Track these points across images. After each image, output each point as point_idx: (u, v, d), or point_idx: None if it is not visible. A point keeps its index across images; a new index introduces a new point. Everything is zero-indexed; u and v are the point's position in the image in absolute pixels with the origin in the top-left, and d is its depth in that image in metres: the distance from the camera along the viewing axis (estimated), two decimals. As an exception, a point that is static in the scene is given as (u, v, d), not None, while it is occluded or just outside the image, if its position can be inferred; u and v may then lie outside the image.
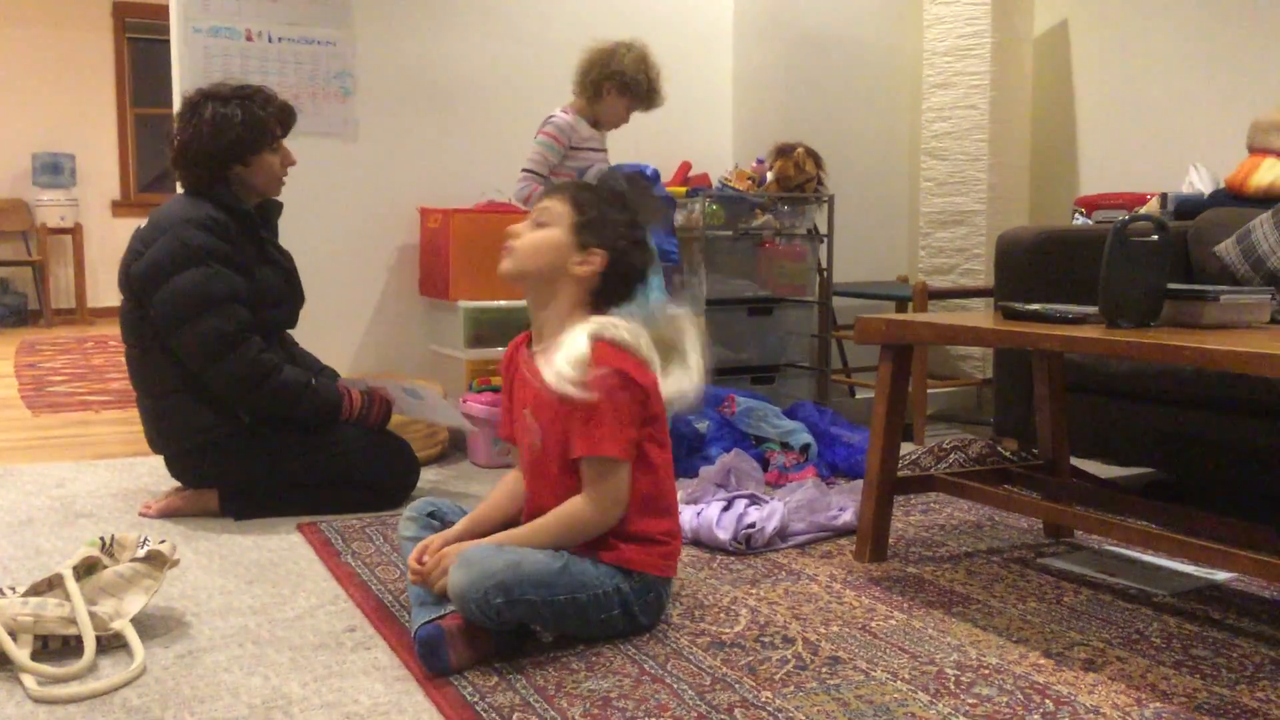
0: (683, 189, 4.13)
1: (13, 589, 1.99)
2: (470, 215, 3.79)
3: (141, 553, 2.02)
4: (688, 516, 2.57)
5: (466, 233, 3.69)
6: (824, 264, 4.24)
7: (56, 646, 1.88)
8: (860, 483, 2.59)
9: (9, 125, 8.25)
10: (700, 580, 2.31)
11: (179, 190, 2.94)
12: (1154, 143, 4.11)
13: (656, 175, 3.60)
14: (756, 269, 4.21)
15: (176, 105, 3.79)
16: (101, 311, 8.33)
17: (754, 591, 2.23)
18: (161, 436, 2.86)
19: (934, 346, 4.37)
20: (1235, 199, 3.32)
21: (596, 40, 3.60)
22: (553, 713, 1.66)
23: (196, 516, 2.81)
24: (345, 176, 3.99)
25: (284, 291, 2.94)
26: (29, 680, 1.75)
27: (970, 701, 1.70)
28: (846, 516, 2.66)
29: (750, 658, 1.88)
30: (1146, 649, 1.93)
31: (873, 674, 1.81)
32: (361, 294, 4.05)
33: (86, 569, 1.99)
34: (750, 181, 4.15)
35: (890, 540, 2.51)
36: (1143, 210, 3.56)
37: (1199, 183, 3.62)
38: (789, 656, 1.88)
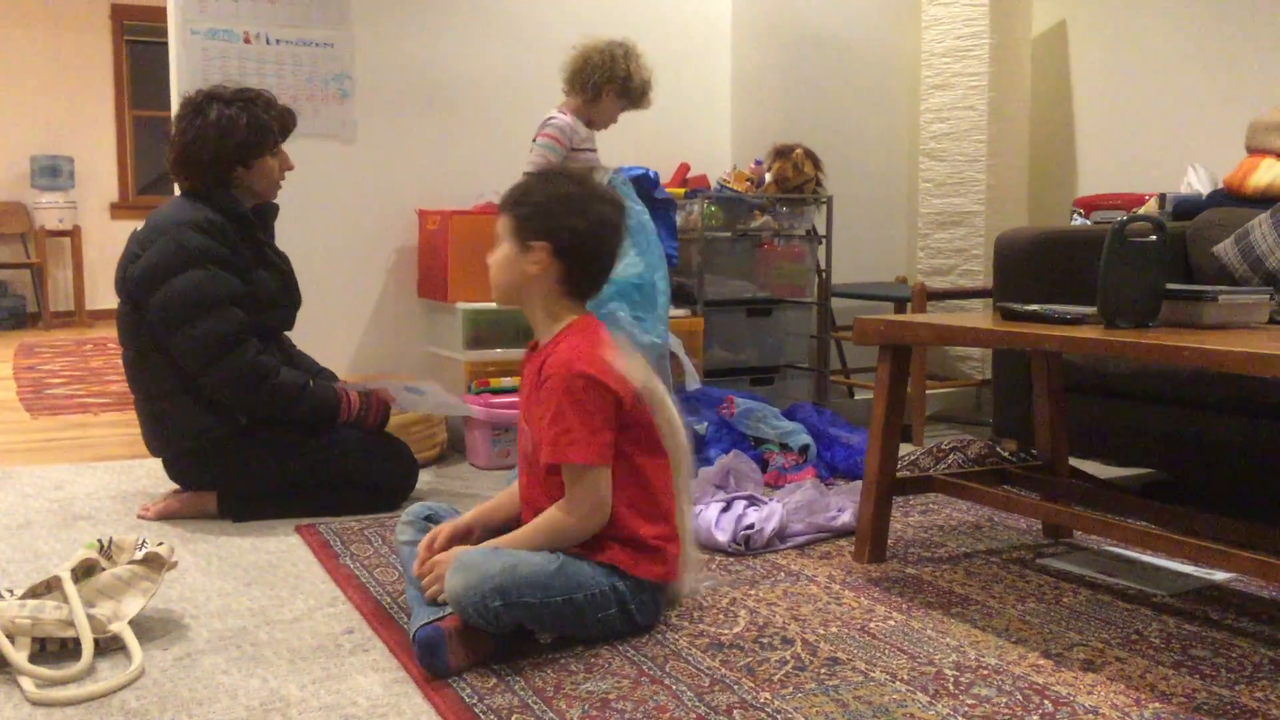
0: (681, 190, 4.13)
1: (11, 591, 1.99)
2: (469, 217, 3.78)
3: (140, 555, 2.02)
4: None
5: (465, 234, 3.69)
6: (823, 265, 4.24)
7: (54, 649, 1.88)
8: (859, 483, 2.58)
9: (7, 128, 8.25)
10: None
11: (176, 193, 2.94)
12: (1152, 143, 4.11)
13: (657, 179, 3.61)
14: (755, 270, 4.20)
15: (175, 107, 3.80)
16: (100, 314, 8.33)
17: (753, 592, 2.23)
18: (159, 439, 2.85)
19: (933, 347, 4.37)
20: (1234, 199, 3.32)
21: (587, 38, 3.60)
22: (551, 714, 1.65)
23: (195, 519, 2.81)
24: (343, 178, 3.99)
25: (281, 294, 2.94)
26: (27, 683, 1.75)
27: (969, 702, 1.70)
28: (845, 517, 2.66)
29: (749, 659, 1.88)
30: (1145, 649, 1.93)
31: (871, 675, 1.81)
32: (360, 296, 4.05)
33: (85, 571, 1.99)
34: (749, 183, 4.15)
35: (889, 541, 2.51)
36: (1141, 211, 3.56)
37: (1197, 183, 3.62)
38: (788, 657, 1.88)
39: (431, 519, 2.04)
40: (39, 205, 8.23)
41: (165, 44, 3.95)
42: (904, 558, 2.49)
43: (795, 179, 4.11)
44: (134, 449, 3.52)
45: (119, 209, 8.64)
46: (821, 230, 4.21)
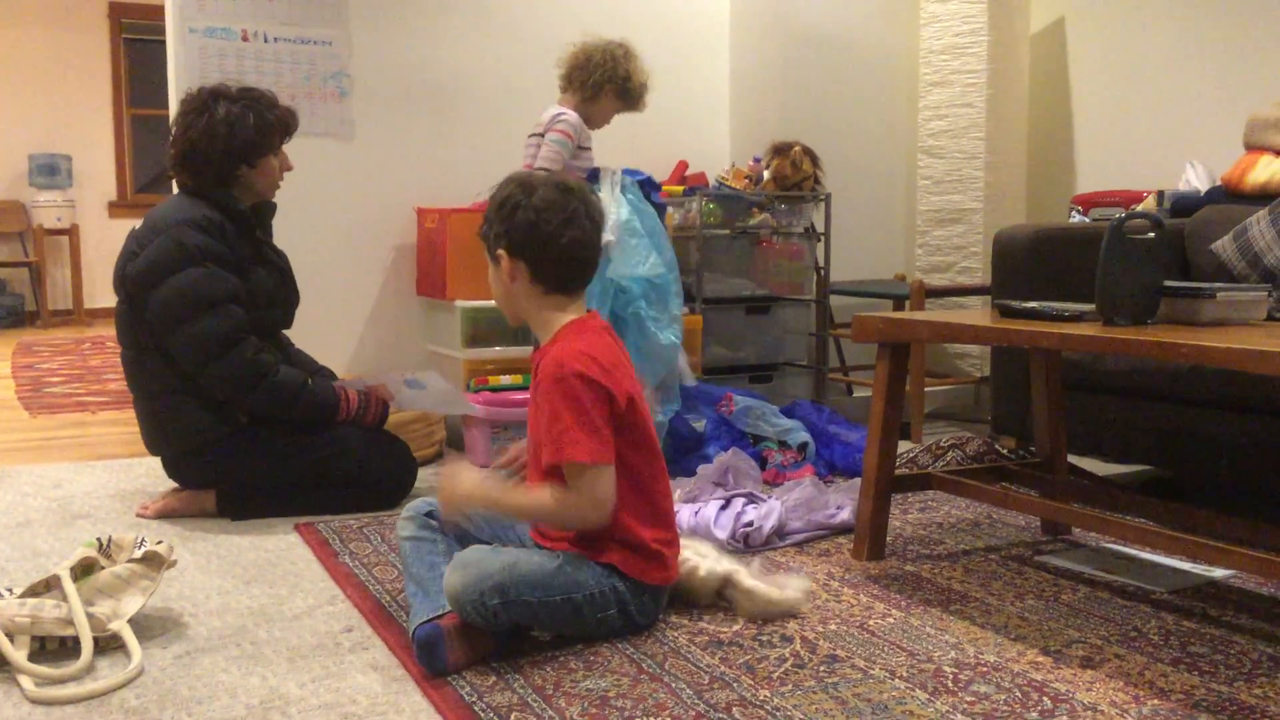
0: (680, 188, 4.13)
1: (10, 590, 1.99)
2: (467, 215, 3.78)
3: (139, 553, 2.02)
4: (685, 515, 2.57)
5: (463, 232, 3.69)
6: (821, 262, 4.24)
7: (54, 647, 1.88)
8: (858, 481, 2.59)
9: (5, 126, 8.24)
10: (698, 579, 2.31)
11: (175, 191, 2.93)
12: (1151, 140, 4.11)
13: (655, 185, 3.61)
14: (754, 268, 4.21)
15: (174, 105, 3.80)
16: (98, 312, 8.32)
17: (752, 590, 2.23)
18: (158, 438, 2.85)
19: (931, 345, 4.37)
20: (1232, 196, 3.32)
21: (587, 36, 3.59)
22: (551, 712, 1.66)
23: (194, 517, 2.81)
24: (342, 177, 3.99)
25: (279, 292, 2.94)
26: (26, 681, 1.75)
27: (968, 699, 1.70)
28: (844, 515, 2.66)
29: (748, 656, 1.88)
30: (1144, 646, 1.93)
31: (871, 672, 1.81)
32: (358, 294, 4.05)
33: (84, 570, 1.99)
34: (747, 180, 4.15)
35: (888, 538, 2.51)
36: (1139, 208, 3.57)
37: (1195, 180, 3.62)
38: (787, 655, 1.88)
39: (433, 514, 2.03)
40: (37, 204, 8.22)
41: (163, 42, 3.95)
42: (903, 555, 2.49)
43: (794, 176, 4.11)
44: (133, 447, 3.52)
45: (117, 207, 8.63)
46: (820, 228, 4.22)
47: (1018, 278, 3.09)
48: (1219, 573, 2.33)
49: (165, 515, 2.81)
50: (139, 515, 2.84)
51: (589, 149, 3.56)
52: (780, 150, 4.14)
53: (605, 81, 3.48)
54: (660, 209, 3.44)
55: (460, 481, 1.94)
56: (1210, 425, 2.70)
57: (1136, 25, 4.17)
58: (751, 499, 2.69)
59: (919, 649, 1.91)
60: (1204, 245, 3.19)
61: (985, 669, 1.82)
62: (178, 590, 2.24)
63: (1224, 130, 3.70)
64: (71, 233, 8.33)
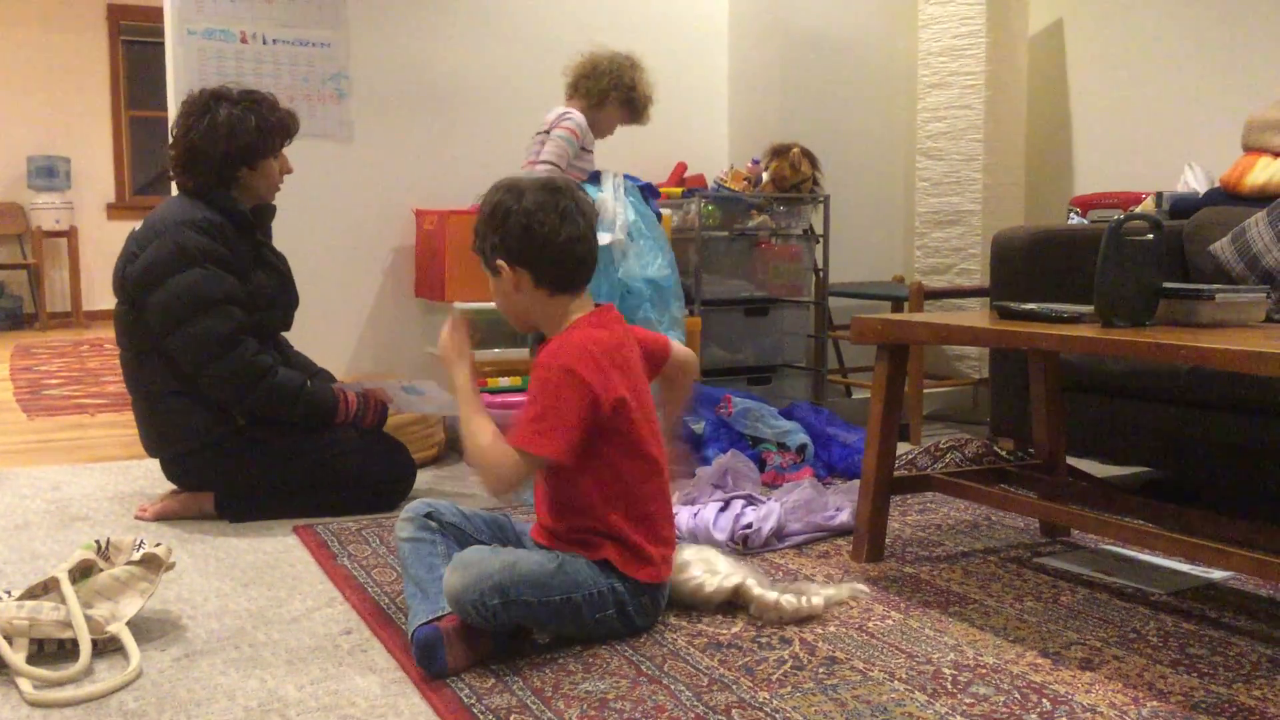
0: (678, 190, 4.13)
1: (8, 592, 1.99)
2: (466, 217, 3.78)
3: (137, 555, 2.02)
4: (685, 517, 2.57)
5: (462, 234, 3.69)
6: (820, 264, 4.24)
7: (52, 650, 1.88)
8: (857, 483, 2.58)
9: (3, 128, 8.24)
10: (697, 581, 2.30)
11: (174, 193, 2.93)
12: (1149, 142, 4.12)
13: (656, 192, 3.60)
14: (752, 269, 4.21)
15: (174, 106, 3.79)
16: (97, 314, 8.32)
17: (751, 592, 2.23)
18: (156, 439, 2.85)
19: (930, 346, 4.37)
20: (1230, 198, 3.32)
21: (595, 46, 3.60)
22: (550, 714, 1.65)
23: (192, 519, 2.81)
24: (340, 178, 3.99)
25: (279, 294, 2.94)
26: (25, 684, 1.75)
27: (967, 701, 1.70)
28: (843, 516, 2.66)
29: (747, 658, 1.88)
30: (1143, 648, 1.93)
31: (870, 674, 1.81)
32: (357, 296, 4.05)
33: (82, 572, 1.99)
34: (746, 182, 4.15)
35: (887, 540, 2.51)
36: (1138, 209, 3.57)
37: (1194, 182, 3.62)
38: (786, 657, 1.88)
39: (433, 515, 2.03)
40: (35, 206, 8.22)
41: (162, 44, 3.95)
42: (902, 557, 2.49)
43: (792, 178, 4.11)
44: (131, 450, 3.52)
45: (115, 209, 8.63)
46: (819, 229, 4.22)
47: (1016, 279, 3.09)
48: (1218, 574, 2.33)
49: (164, 517, 2.81)
50: (137, 517, 2.83)
51: (591, 153, 3.56)
52: (779, 152, 4.14)
53: (610, 89, 3.49)
54: (657, 216, 3.44)
55: (455, 369, 1.97)
56: (1209, 427, 2.70)
57: (1135, 27, 4.17)
58: (750, 501, 2.69)
59: (918, 651, 1.91)
60: (1202, 247, 3.19)
61: (984, 671, 1.82)
62: (176, 592, 2.24)
63: (1222, 132, 3.71)
64: (70, 235, 8.33)
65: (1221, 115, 3.80)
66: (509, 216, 1.96)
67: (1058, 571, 2.38)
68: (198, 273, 2.70)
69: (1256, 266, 3.01)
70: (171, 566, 2.07)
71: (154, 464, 2.98)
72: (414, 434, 3.36)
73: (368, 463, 2.86)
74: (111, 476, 3.31)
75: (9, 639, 1.83)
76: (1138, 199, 3.71)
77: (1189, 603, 2.17)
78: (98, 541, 2.06)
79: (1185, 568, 2.38)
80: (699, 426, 3.28)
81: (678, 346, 2.20)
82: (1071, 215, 3.90)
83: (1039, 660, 1.87)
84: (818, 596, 2.07)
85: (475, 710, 1.67)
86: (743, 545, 2.52)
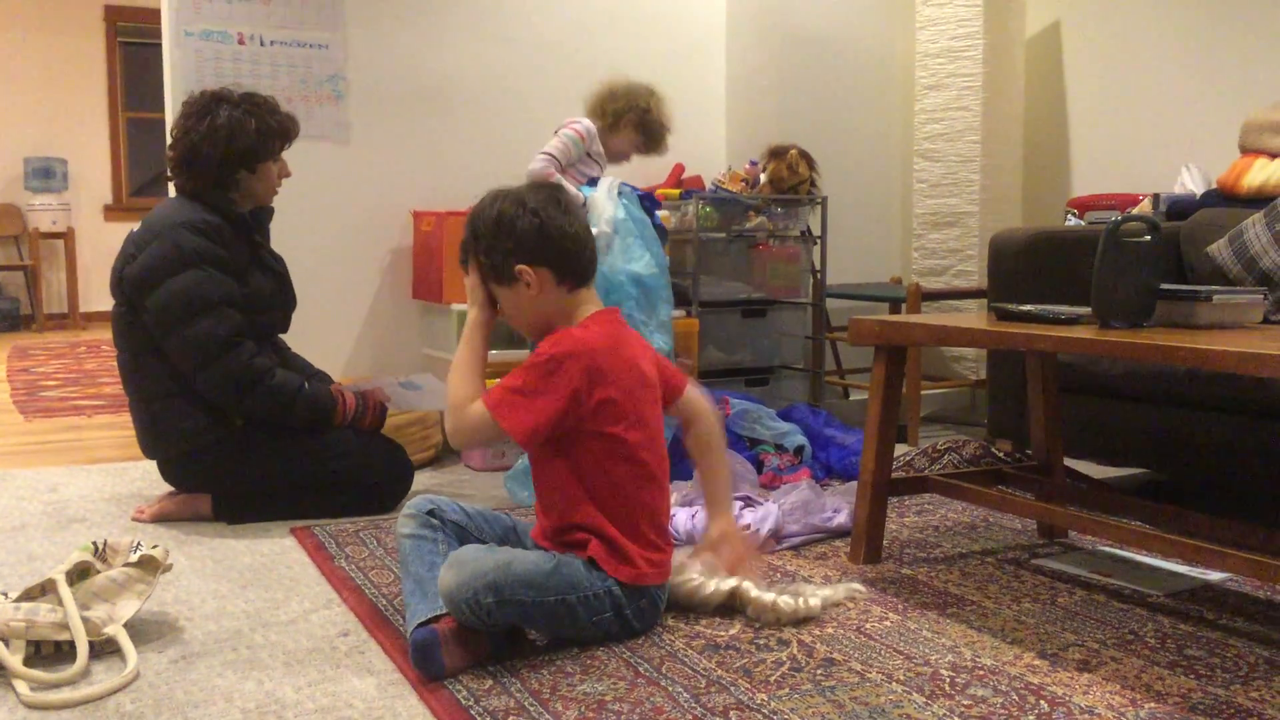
0: (676, 191, 4.13)
1: (5, 594, 1.98)
2: (464, 218, 3.76)
3: (134, 557, 2.02)
4: (682, 519, 2.57)
5: (459, 236, 3.67)
6: (817, 266, 4.24)
7: (49, 652, 1.88)
8: (854, 484, 2.58)
9: (1, 130, 8.23)
10: (695, 582, 2.30)
11: (172, 194, 2.93)
12: (1146, 143, 4.12)
13: (657, 203, 3.59)
14: (750, 271, 4.21)
15: (171, 108, 3.79)
16: (94, 316, 8.32)
17: (749, 593, 2.22)
18: (154, 441, 2.85)
19: (928, 348, 4.37)
20: (1227, 199, 3.33)
21: (616, 75, 3.62)
22: (548, 716, 1.65)
23: (189, 521, 2.80)
24: (338, 180, 3.98)
25: (276, 295, 2.94)
26: (21, 686, 1.75)
27: (965, 703, 1.70)
28: (841, 518, 2.66)
29: (745, 660, 1.88)
30: (1141, 649, 1.93)
31: (868, 675, 1.81)
32: (355, 297, 4.05)
33: (79, 574, 1.99)
34: (744, 183, 4.15)
35: (885, 541, 2.51)
36: (1135, 211, 3.57)
37: (1191, 183, 3.62)
38: (784, 658, 1.88)
39: (434, 513, 2.03)
40: (32, 207, 8.22)
41: (159, 45, 3.95)
42: (899, 558, 2.49)
43: (790, 180, 4.11)
44: (128, 451, 3.51)
45: (112, 211, 8.63)
46: (816, 231, 4.22)
47: (1014, 281, 3.10)
48: (1215, 576, 2.33)
49: (161, 519, 2.81)
50: (134, 519, 2.83)
51: (598, 165, 3.57)
52: (776, 153, 4.14)
53: (626, 110, 3.51)
54: (662, 231, 3.41)
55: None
56: (1206, 428, 2.70)
57: (1132, 29, 4.18)
58: (748, 502, 2.69)
59: (916, 652, 1.91)
60: (1200, 248, 3.19)
61: (982, 672, 1.82)
62: (173, 594, 2.23)
63: (1219, 133, 3.71)
64: (67, 236, 8.32)
65: (1218, 117, 3.80)
66: (518, 221, 1.97)
67: (1055, 573, 2.38)
68: (195, 274, 2.69)
69: (1254, 268, 3.02)
70: (169, 568, 2.07)
71: (151, 465, 2.98)
72: (411, 435, 3.36)
73: (365, 464, 2.86)
74: (108, 478, 3.31)
75: (6, 641, 1.83)
76: (1135, 200, 3.71)
77: (1186, 604, 2.18)
78: (95, 543, 2.06)
79: (1183, 569, 2.38)
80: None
81: (696, 394, 2.19)
82: (1069, 217, 3.90)
83: (1037, 661, 1.87)
84: (814, 598, 2.07)
85: (473, 712, 1.67)
86: (740, 547, 2.51)
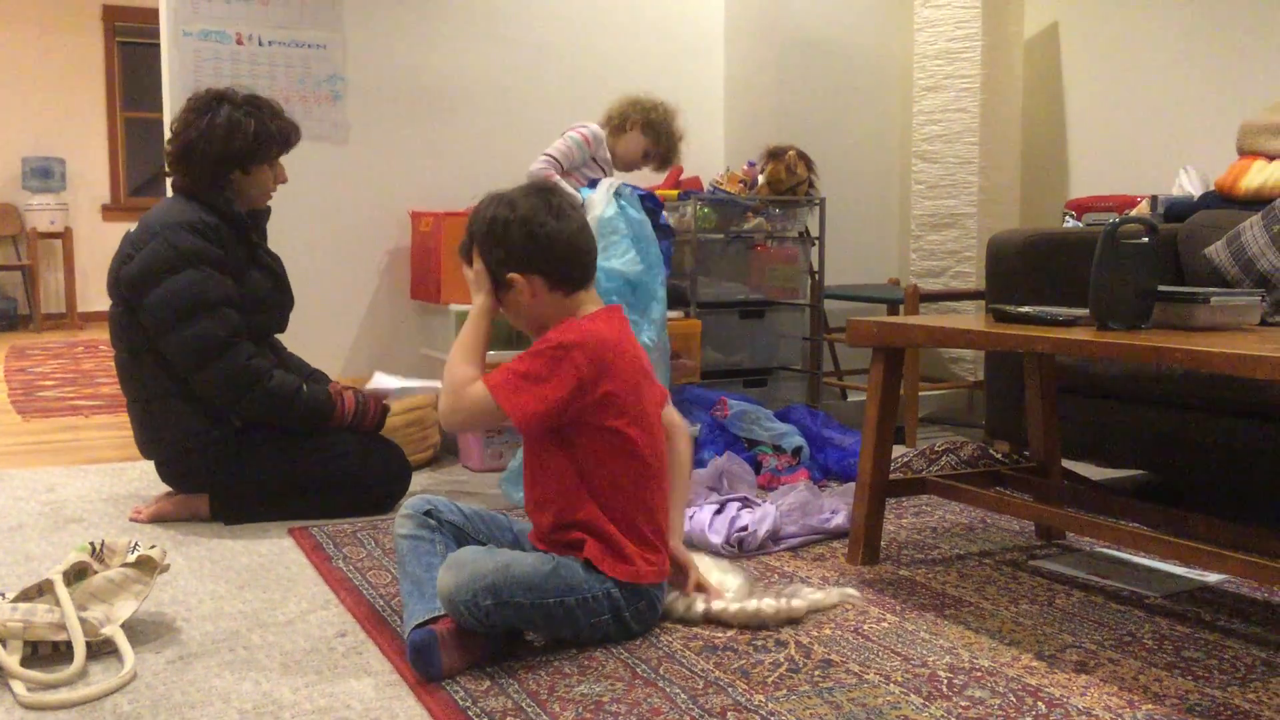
0: (674, 192, 4.13)
1: (2, 595, 1.98)
2: (462, 219, 3.76)
3: (132, 558, 2.02)
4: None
5: (458, 236, 3.62)
6: (815, 267, 4.24)
7: (46, 652, 1.88)
8: (852, 485, 2.59)
9: (-1, 129, 8.24)
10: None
11: (169, 193, 2.93)
12: (1144, 145, 4.12)
13: (661, 205, 3.59)
14: (748, 272, 4.21)
15: (169, 108, 3.79)
16: (91, 316, 8.31)
17: (746, 595, 2.22)
18: (151, 441, 2.85)
19: (926, 349, 4.37)
20: (1225, 201, 3.33)
21: (632, 87, 3.68)
22: (545, 717, 1.65)
23: (187, 521, 2.80)
24: (336, 180, 3.98)
25: (273, 295, 2.93)
26: (19, 686, 1.75)
27: (963, 704, 1.70)
28: (839, 519, 2.66)
29: (743, 661, 1.88)
30: (1138, 651, 1.93)
31: (865, 677, 1.81)
32: (353, 298, 4.04)
33: (76, 574, 1.98)
34: (742, 185, 4.15)
35: (882, 543, 2.51)
36: (1133, 213, 3.57)
37: (1189, 185, 3.63)
38: (781, 659, 1.88)
39: (432, 514, 2.03)
40: (30, 207, 8.22)
41: (157, 45, 3.94)
42: (897, 559, 2.49)
43: (788, 181, 4.11)
44: (126, 451, 3.51)
45: (110, 211, 8.62)
46: (814, 232, 4.22)
47: (1012, 282, 3.10)
48: (1213, 577, 2.33)
49: (158, 519, 2.81)
50: (132, 519, 2.83)
51: (602, 170, 3.57)
52: (775, 154, 4.14)
53: (632, 113, 3.55)
54: (669, 230, 3.40)
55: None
56: (1204, 430, 2.71)
57: (1130, 30, 4.18)
58: (746, 503, 2.69)
59: (913, 654, 1.91)
60: (1197, 250, 3.19)
61: (980, 674, 1.82)
62: (171, 595, 2.23)
63: (1217, 135, 3.71)
64: (65, 236, 8.32)
65: (1216, 119, 3.81)
66: (509, 227, 1.97)
67: (1053, 574, 2.38)
68: (192, 274, 2.69)
69: (1251, 270, 3.02)
70: (166, 569, 2.06)
71: (149, 466, 2.98)
72: (410, 436, 3.36)
73: (363, 465, 2.86)
74: (106, 478, 3.31)
75: (3, 642, 1.83)
76: (1133, 202, 3.71)
77: (1184, 606, 2.18)
78: (92, 544, 2.06)
79: (1180, 571, 2.38)
80: (695, 429, 3.28)
81: (674, 411, 2.19)
82: (1066, 218, 3.90)
83: (1034, 663, 1.87)
84: (799, 600, 2.07)
85: (470, 713, 1.67)
86: (738, 548, 2.52)
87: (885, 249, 4.75)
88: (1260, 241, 3.01)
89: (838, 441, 3.36)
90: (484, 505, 2.21)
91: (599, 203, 3.08)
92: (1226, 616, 2.11)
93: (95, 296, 8.35)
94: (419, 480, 3.23)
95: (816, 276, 4.25)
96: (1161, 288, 2.18)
